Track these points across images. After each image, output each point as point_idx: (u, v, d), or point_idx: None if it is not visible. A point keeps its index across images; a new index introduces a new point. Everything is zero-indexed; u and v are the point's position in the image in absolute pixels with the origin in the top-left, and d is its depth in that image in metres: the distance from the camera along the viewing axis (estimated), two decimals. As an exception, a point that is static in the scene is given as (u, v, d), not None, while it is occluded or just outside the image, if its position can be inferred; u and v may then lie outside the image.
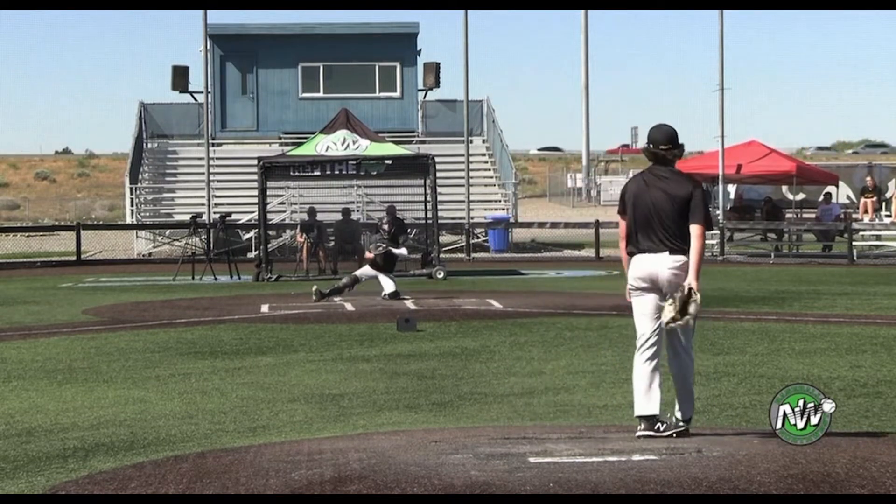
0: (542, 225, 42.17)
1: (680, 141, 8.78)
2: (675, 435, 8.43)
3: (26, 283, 28.06)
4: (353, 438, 8.80)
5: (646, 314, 8.63)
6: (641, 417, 8.52)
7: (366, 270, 22.07)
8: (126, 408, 10.71)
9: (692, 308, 8.44)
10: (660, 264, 8.54)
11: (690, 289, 8.44)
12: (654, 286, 8.59)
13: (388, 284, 21.58)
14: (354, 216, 34.39)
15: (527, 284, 25.68)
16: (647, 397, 8.51)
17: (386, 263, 22.06)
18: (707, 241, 35.81)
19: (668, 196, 8.59)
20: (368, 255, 22.51)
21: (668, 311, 8.47)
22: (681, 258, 8.52)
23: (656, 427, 8.47)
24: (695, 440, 8.33)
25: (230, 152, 44.40)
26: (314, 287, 21.71)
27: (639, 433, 8.47)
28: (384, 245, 22.18)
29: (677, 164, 8.93)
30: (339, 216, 32.11)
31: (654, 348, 8.59)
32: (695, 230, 8.55)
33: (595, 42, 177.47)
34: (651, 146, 8.77)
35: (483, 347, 14.60)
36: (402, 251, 22.39)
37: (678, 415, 8.55)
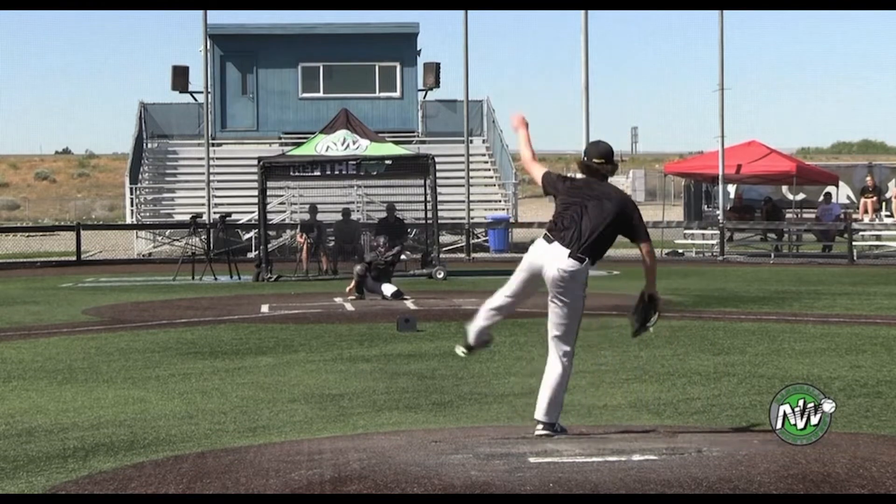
0: (542, 225, 41.96)
1: (615, 159, 8.87)
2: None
3: (26, 283, 28.06)
4: (353, 438, 8.80)
5: (516, 281, 8.72)
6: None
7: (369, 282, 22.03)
8: (126, 408, 10.71)
9: (654, 318, 8.68)
10: (555, 260, 8.50)
11: (650, 296, 8.68)
12: (538, 274, 8.60)
13: (387, 289, 21.57)
14: (354, 216, 34.40)
15: (527, 284, 25.58)
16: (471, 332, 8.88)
17: (382, 274, 22.01)
18: (707, 242, 35.45)
19: (601, 208, 8.61)
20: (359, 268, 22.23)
21: (632, 323, 8.72)
22: (577, 266, 8.47)
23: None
24: (695, 440, 8.33)
25: (230, 152, 44.40)
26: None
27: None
28: (382, 259, 22.11)
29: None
30: (338, 216, 32.12)
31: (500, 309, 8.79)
32: (644, 248, 8.65)
33: (595, 42, 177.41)
34: (585, 159, 8.86)
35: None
36: (385, 288, 21.72)
37: (540, 416, 8.57)
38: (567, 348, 8.60)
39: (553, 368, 8.59)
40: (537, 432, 8.55)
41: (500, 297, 8.76)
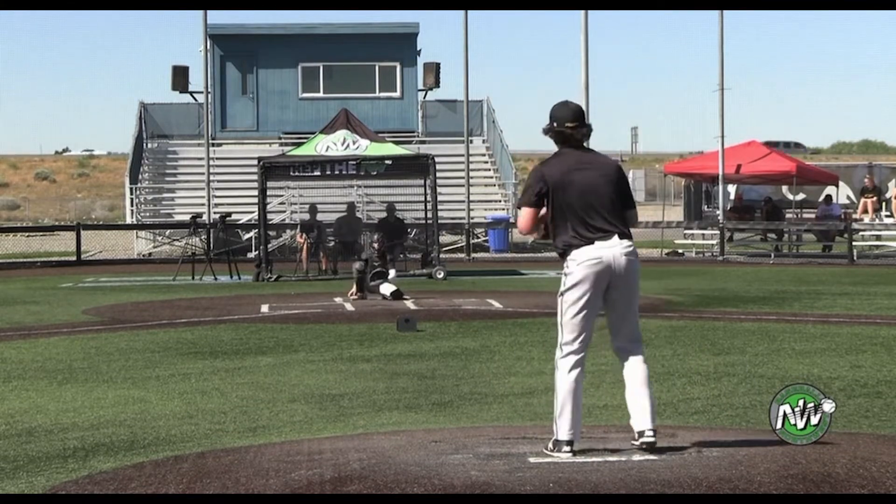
0: (541, 225, 42.11)
1: (587, 120, 7.86)
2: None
3: (26, 283, 28.06)
4: (353, 438, 8.79)
5: (586, 314, 7.89)
6: (564, 441, 7.74)
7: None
8: (126, 408, 10.71)
9: None
10: (614, 251, 7.73)
11: None
12: (603, 278, 7.76)
13: (386, 288, 21.56)
14: (357, 214, 34.40)
15: (527, 284, 25.66)
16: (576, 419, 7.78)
17: (379, 274, 21.98)
18: (707, 242, 35.32)
19: (602, 177, 7.77)
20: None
21: None
22: (630, 243, 7.79)
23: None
24: (695, 440, 8.32)
25: (230, 152, 44.41)
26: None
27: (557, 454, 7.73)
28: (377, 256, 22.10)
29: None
30: (339, 215, 32.06)
31: (583, 355, 7.96)
32: (631, 215, 7.89)
33: (595, 42, 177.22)
34: (555, 124, 7.81)
35: (483, 347, 14.60)
36: (384, 288, 21.60)
37: (645, 425, 7.79)
38: (639, 339, 8.07)
39: (639, 369, 8.03)
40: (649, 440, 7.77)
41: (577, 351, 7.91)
